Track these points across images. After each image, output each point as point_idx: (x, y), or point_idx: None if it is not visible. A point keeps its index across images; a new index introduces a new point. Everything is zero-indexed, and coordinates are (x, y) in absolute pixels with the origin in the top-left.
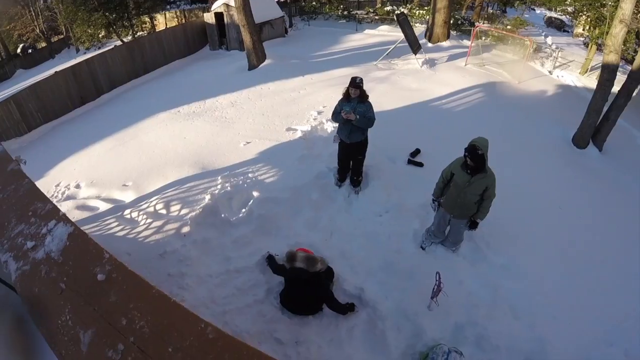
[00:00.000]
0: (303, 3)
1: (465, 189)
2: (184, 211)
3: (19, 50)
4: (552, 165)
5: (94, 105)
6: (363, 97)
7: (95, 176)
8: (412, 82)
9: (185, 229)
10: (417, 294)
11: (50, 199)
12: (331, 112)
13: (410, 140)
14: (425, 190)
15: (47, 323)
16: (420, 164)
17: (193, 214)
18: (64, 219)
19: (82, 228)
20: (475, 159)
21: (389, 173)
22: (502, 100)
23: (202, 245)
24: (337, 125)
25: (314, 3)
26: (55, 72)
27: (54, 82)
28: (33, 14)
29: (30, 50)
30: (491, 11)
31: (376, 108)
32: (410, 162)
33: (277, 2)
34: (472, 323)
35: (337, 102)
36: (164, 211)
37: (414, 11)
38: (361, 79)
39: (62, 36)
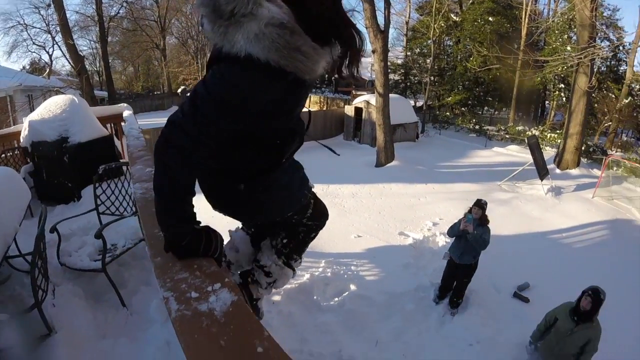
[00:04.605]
0: (437, 112)
1: (566, 338)
2: None
3: (179, 91)
4: None
5: None
6: (483, 220)
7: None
8: (534, 209)
9: (276, 298)
10: None
11: None
12: (448, 227)
13: (521, 272)
14: (525, 329)
15: None
16: (526, 300)
17: (288, 286)
18: (229, 285)
19: None
20: (595, 302)
21: (490, 302)
22: (629, 243)
23: (286, 318)
24: (449, 241)
25: (447, 113)
26: None
27: None
28: (199, 66)
29: (188, 94)
30: (625, 139)
31: (492, 232)
32: (516, 295)
33: (413, 107)
34: None
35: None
36: None
37: (546, 134)
38: (486, 202)
39: None
